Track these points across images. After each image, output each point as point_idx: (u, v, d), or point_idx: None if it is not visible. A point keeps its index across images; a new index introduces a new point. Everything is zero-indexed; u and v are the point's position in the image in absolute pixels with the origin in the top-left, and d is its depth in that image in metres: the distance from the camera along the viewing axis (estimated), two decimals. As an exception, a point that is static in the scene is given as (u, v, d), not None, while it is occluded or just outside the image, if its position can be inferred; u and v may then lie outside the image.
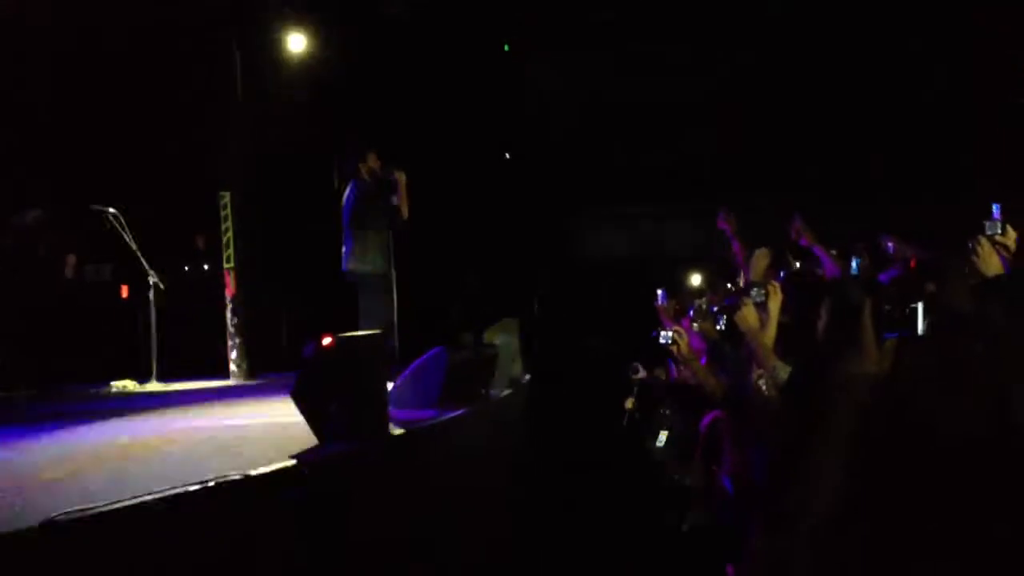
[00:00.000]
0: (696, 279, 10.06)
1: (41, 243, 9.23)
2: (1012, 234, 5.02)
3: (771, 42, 12.62)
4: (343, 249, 7.87)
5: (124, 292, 10.94)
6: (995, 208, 4.62)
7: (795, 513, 2.55)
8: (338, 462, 4.76)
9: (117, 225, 9.29)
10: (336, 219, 8.15)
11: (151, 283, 9.41)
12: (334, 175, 11.42)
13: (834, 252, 5.91)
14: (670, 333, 4.93)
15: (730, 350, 4.88)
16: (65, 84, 10.39)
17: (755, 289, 4.07)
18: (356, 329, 7.09)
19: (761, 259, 4.48)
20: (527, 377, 8.99)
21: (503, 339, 8.10)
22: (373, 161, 7.88)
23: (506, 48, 14.14)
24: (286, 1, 10.90)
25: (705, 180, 14.10)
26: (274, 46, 10.94)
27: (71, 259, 9.92)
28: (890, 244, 5.69)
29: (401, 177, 7.79)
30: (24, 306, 8.76)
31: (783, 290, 4.32)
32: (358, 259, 7.77)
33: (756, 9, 12.55)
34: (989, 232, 4.56)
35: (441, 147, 12.64)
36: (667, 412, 7.12)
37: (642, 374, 8.14)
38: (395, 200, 7.79)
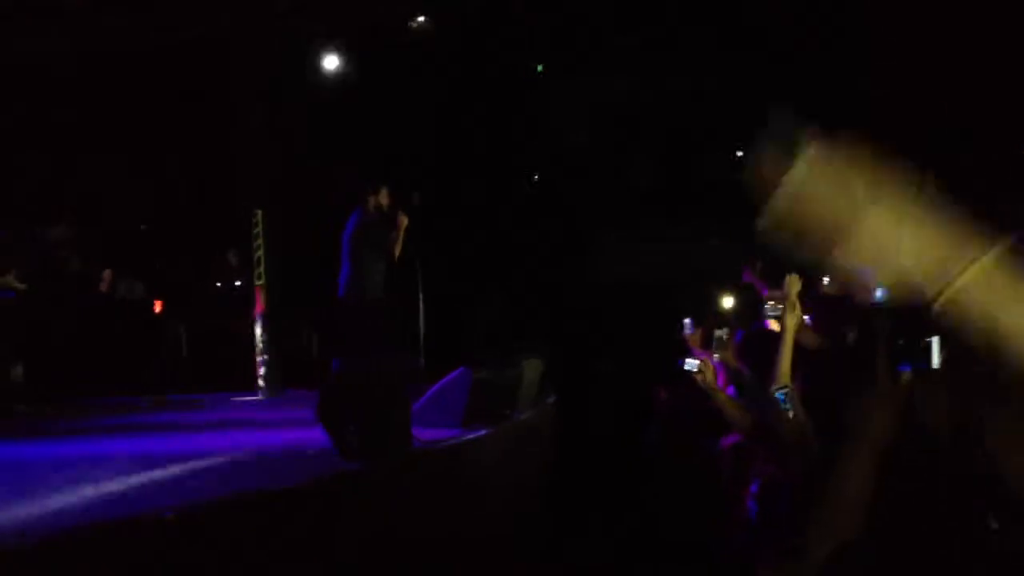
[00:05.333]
0: (729, 302, 9.91)
1: (73, 258, 9.30)
2: None
3: (797, 64, 12.50)
4: (340, 276, 7.79)
5: (157, 307, 11.06)
6: None
7: (813, 539, 2.53)
8: (360, 479, 4.78)
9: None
10: None
11: (183, 299, 9.50)
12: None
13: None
14: (696, 362, 4.88)
15: (749, 378, 4.82)
16: (102, 104, 10.55)
17: (771, 303, 3.93)
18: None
19: (793, 284, 4.39)
20: (552, 398, 8.96)
21: (529, 360, 8.07)
22: (384, 197, 7.81)
23: (539, 69, 14.16)
24: (319, 21, 10.99)
25: (734, 200, 14.00)
26: (308, 66, 11.03)
27: (108, 274, 10.03)
28: None
29: (403, 220, 7.75)
30: (53, 321, 8.82)
31: (814, 311, 4.25)
32: (353, 287, 7.68)
33: (782, 36, 12.44)
34: None
35: (466, 167, 12.68)
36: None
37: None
38: (392, 238, 7.74)
